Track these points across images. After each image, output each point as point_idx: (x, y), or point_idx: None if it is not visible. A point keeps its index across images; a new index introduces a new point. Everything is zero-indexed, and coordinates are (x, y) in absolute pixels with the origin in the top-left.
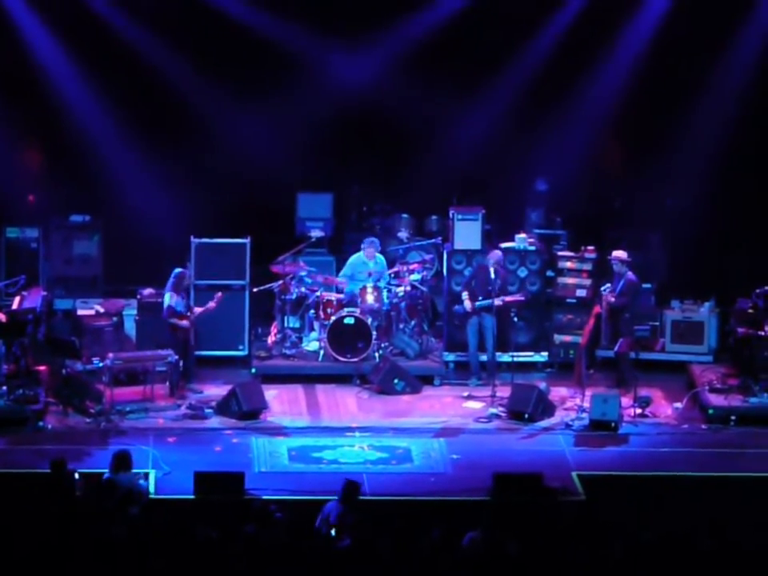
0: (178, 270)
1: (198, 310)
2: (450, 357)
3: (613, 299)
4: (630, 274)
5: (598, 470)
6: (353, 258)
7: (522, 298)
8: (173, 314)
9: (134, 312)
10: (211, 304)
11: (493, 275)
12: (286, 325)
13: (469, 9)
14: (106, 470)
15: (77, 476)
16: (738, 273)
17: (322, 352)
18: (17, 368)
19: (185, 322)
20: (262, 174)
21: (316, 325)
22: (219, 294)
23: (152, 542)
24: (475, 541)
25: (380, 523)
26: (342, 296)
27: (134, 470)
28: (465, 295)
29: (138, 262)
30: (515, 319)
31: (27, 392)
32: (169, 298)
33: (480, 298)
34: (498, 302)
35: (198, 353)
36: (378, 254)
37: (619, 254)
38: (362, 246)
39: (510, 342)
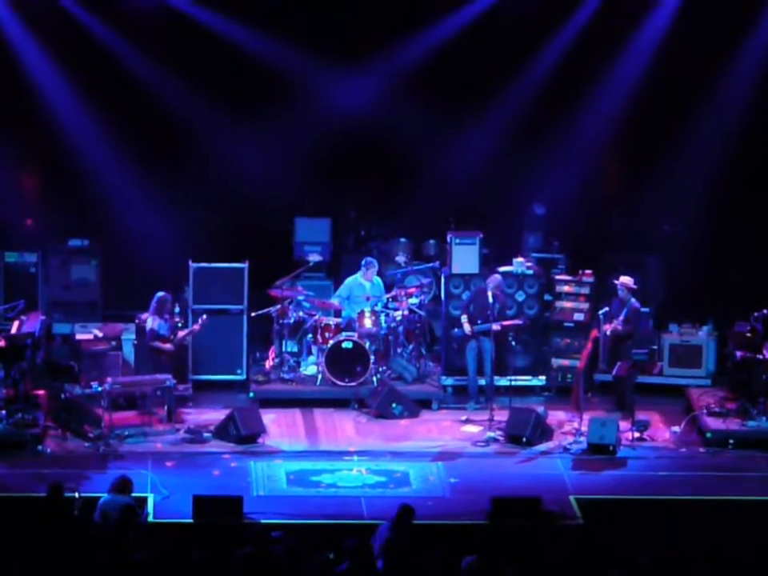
0: (159, 293)
1: (181, 333)
2: (448, 381)
3: (620, 327)
4: (634, 301)
5: (596, 494)
6: (350, 280)
7: (521, 323)
8: (155, 337)
9: (133, 336)
10: (195, 327)
11: (491, 299)
12: (284, 349)
13: (464, 33)
14: (105, 494)
15: (77, 495)
16: (736, 296)
17: (320, 376)
18: (16, 392)
19: (168, 346)
20: (260, 199)
21: (314, 349)
22: (204, 316)
23: (150, 565)
24: (473, 565)
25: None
26: (339, 320)
27: (134, 495)
28: (464, 318)
29: (136, 287)
30: (513, 343)
31: (26, 416)
32: (151, 322)
33: (479, 322)
34: (496, 326)
35: (195, 377)
36: (375, 277)
37: (626, 280)
38: (362, 266)
39: (508, 366)
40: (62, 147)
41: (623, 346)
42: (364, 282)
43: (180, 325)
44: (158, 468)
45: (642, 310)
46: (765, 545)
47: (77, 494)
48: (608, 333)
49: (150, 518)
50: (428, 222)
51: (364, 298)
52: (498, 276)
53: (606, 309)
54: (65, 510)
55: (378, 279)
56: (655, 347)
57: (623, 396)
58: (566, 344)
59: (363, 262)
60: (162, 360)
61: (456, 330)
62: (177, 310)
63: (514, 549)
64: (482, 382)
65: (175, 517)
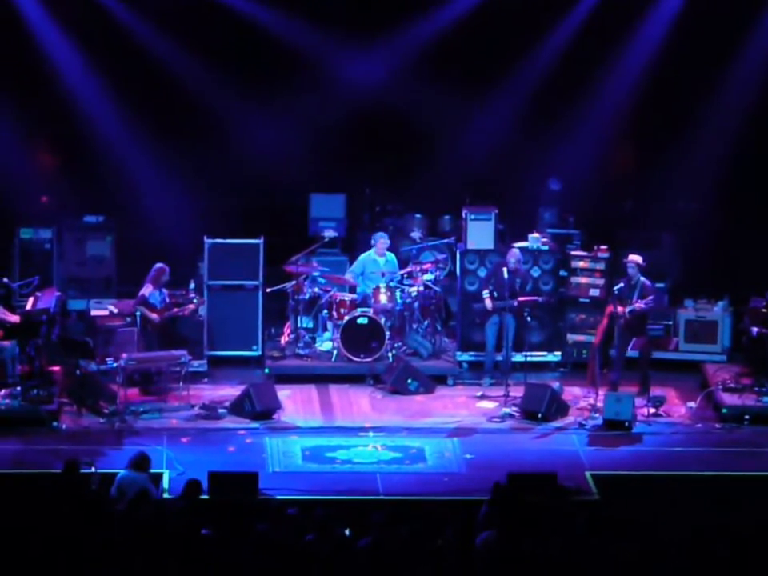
0: (158, 264)
1: (175, 310)
2: (464, 357)
3: (644, 305)
4: (644, 280)
5: (611, 470)
6: (363, 256)
7: (539, 299)
8: (143, 302)
9: None
10: (190, 306)
11: (510, 274)
12: (299, 325)
13: (480, 8)
14: (122, 470)
15: (93, 469)
16: (751, 272)
17: (335, 352)
18: (31, 369)
19: (154, 316)
20: (275, 175)
21: (329, 325)
22: (203, 299)
23: (163, 542)
24: (489, 540)
25: (394, 523)
26: (355, 296)
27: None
28: (485, 293)
29: (151, 263)
30: (528, 319)
31: (41, 392)
32: (144, 288)
33: (498, 297)
34: (515, 302)
35: (210, 353)
36: (388, 252)
37: (636, 258)
38: (372, 241)
39: (523, 342)
40: (77, 124)
41: (640, 325)
42: (377, 258)
43: (184, 301)
44: (173, 444)
45: (658, 285)
46: None
47: (93, 468)
48: (627, 313)
49: (166, 495)
50: (443, 198)
51: (379, 273)
52: (517, 251)
53: (621, 284)
54: (81, 485)
55: (392, 255)
56: (671, 323)
57: (645, 371)
58: (581, 320)
59: (373, 237)
60: (148, 330)
61: (476, 304)
62: (192, 285)
63: (530, 524)
64: (499, 357)
65: None
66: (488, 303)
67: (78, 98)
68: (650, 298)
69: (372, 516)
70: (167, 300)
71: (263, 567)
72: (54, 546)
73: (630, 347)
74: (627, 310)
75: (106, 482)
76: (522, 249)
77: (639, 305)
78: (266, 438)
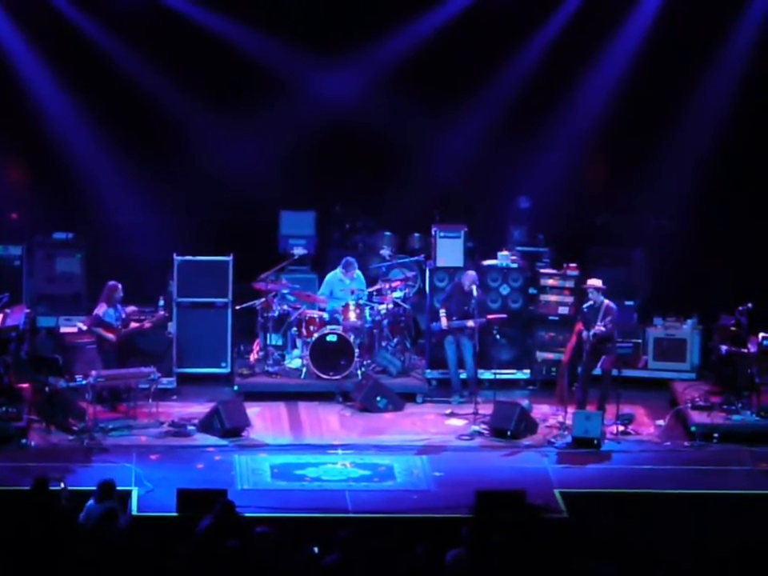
0: (110, 282)
1: (134, 325)
2: (433, 374)
3: (604, 329)
4: (607, 302)
5: (580, 488)
6: (329, 277)
7: (505, 316)
8: (98, 323)
9: None
10: (146, 323)
11: (475, 293)
12: (268, 342)
13: (451, 26)
14: (90, 488)
15: (62, 485)
16: (720, 290)
17: (304, 369)
18: (0, 385)
19: (110, 335)
20: (245, 192)
21: (299, 342)
22: (161, 313)
23: (135, 559)
24: (458, 558)
25: (363, 540)
26: (324, 313)
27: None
28: (442, 312)
29: (120, 280)
30: (497, 336)
31: (10, 409)
32: (98, 308)
33: (454, 318)
34: (471, 323)
35: (180, 370)
36: (357, 271)
37: (595, 282)
38: (341, 266)
39: (492, 360)
40: (47, 140)
41: (603, 348)
42: (344, 278)
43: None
44: (142, 461)
45: (627, 303)
46: (749, 539)
47: (62, 484)
48: (590, 336)
49: (134, 512)
50: (413, 216)
51: (347, 291)
52: (472, 272)
53: (591, 303)
54: (51, 502)
55: (360, 273)
56: (640, 341)
57: (605, 390)
58: (550, 337)
59: (342, 263)
60: (105, 349)
61: (434, 323)
62: (161, 302)
63: (499, 542)
64: (464, 375)
65: (159, 510)
66: (443, 322)
67: (47, 115)
68: (608, 319)
69: (338, 533)
70: (123, 316)
71: None
72: (23, 564)
73: (600, 365)
74: (590, 333)
75: (76, 498)
76: (491, 267)
77: (599, 328)
78: (234, 456)
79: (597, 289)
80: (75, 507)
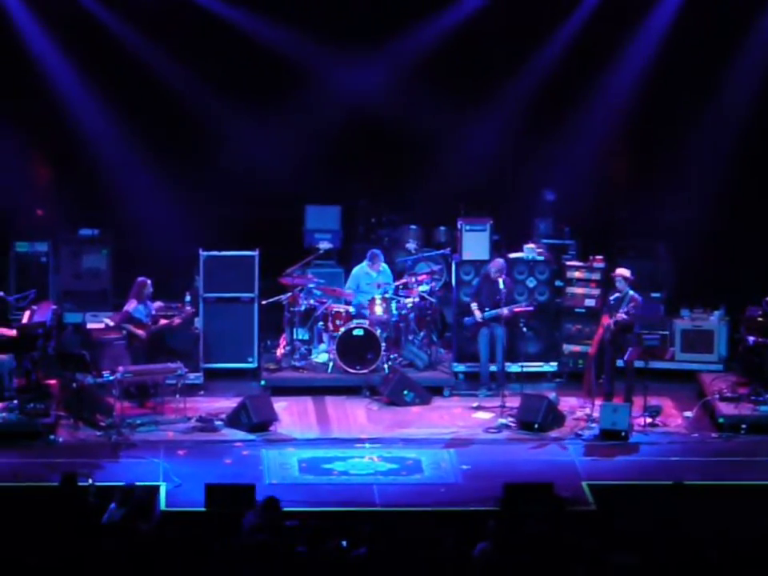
0: (140, 278)
1: (163, 322)
2: (460, 368)
3: (625, 316)
4: (632, 293)
5: (608, 480)
6: (356, 270)
7: (531, 308)
8: (128, 319)
9: None
10: (176, 319)
11: (502, 285)
12: (294, 337)
13: (475, 18)
14: (118, 484)
15: (90, 482)
16: (747, 281)
17: (331, 364)
18: (27, 382)
19: (140, 332)
20: (271, 187)
21: (325, 337)
22: (189, 309)
23: (164, 554)
24: (486, 551)
25: (391, 534)
26: (350, 308)
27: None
28: (474, 306)
29: (147, 276)
30: (524, 329)
31: (38, 406)
32: (128, 304)
33: (486, 309)
34: (505, 311)
35: (206, 365)
36: (383, 264)
37: (623, 271)
38: (367, 258)
39: (519, 353)
40: (73, 137)
41: (624, 338)
42: (370, 271)
43: (179, 313)
44: (169, 457)
45: (653, 295)
46: None
47: (90, 481)
48: (611, 324)
49: (162, 507)
50: (438, 209)
51: (374, 285)
52: (499, 260)
53: (617, 294)
54: (79, 498)
55: (386, 266)
56: (667, 333)
57: (630, 382)
58: (577, 330)
59: (368, 255)
60: (135, 345)
61: (466, 318)
62: (188, 298)
63: (527, 535)
64: (494, 368)
65: (187, 505)
66: (477, 314)
67: (73, 112)
68: (631, 305)
69: (364, 527)
70: (153, 312)
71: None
72: (52, 560)
73: (626, 357)
74: (612, 321)
75: (103, 495)
76: (517, 259)
77: (621, 315)
78: (262, 450)
79: (625, 278)
80: (103, 503)
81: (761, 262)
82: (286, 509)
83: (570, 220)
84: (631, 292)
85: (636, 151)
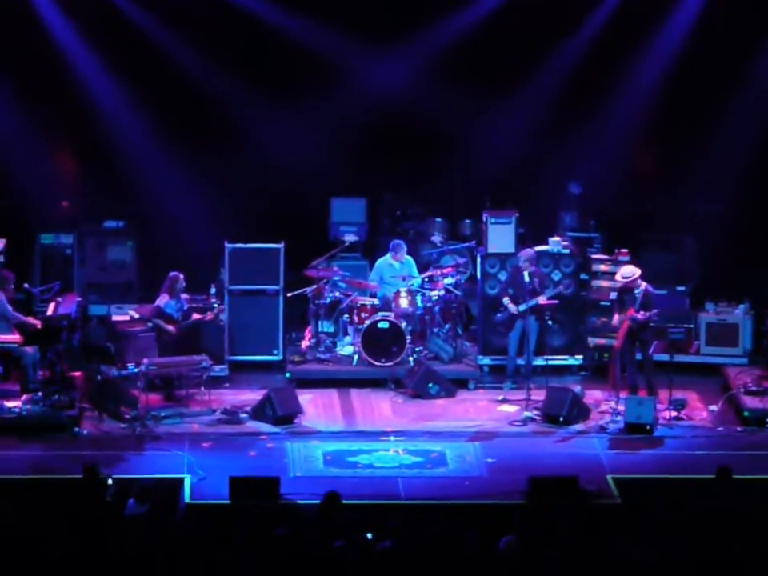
0: (172, 273)
1: (196, 316)
2: (485, 360)
3: (641, 317)
4: (644, 286)
5: (633, 473)
6: (379, 262)
7: (557, 302)
8: (159, 314)
9: None
10: (208, 315)
11: (527, 278)
12: (320, 329)
13: (500, 12)
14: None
15: (110, 481)
16: None
17: (356, 356)
18: (52, 374)
19: (170, 327)
20: (296, 179)
21: (350, 329)
22: (222, 306)
23: (188, 547)
24: (511, 544)
25: (416, 527)
26: (375, 300)
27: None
28: (506, 300)
29: (171, 268)
30: (549, 322)
31: (62, 398)
32: (160, 299)
33: (519, 301)
34: (541, 300)
35: (231, 357)
36: (406, 256)
37: (633, 270)
38: (390, 249)
39: (544, 346)
40: (98, 129)
41: (644, 334)
42: (393, 262)
43: (205, 306)
44: (194, 449)
45: (678, 288)
46: None
47: (109, 480)
48: (629, 319)
49: (187, 500)
50: (464, 202)
51: (399, 278)
52: (529, 250)
53: (640, 289)
54: (99, 491)
55: (409, 257)
56: (692, 326)
57: (650, 376)
58: (602, 323)
59: (391, 246)
60: (164, 340)
61: (498, 314)
62: (213, 290)
63: (552, 528)
64: (520, 361)
65: (212, 498)
66: (512, 308)
67: (99, 104)
68: (654, 312)
69: (389, 520)
70: (185, 307)
71: (286, 572)
72: (73, 552)
73: (651, 350)
74: (629, 317)
75: (123, 490)
76: (542, 252)
77: (641, 316)
78: (287, 443)
79: (630, 277)
80: (121, 500)
81: None
82: (310, 501)
83: (595, 213)
84: (643, 285)
85: (661, 144)
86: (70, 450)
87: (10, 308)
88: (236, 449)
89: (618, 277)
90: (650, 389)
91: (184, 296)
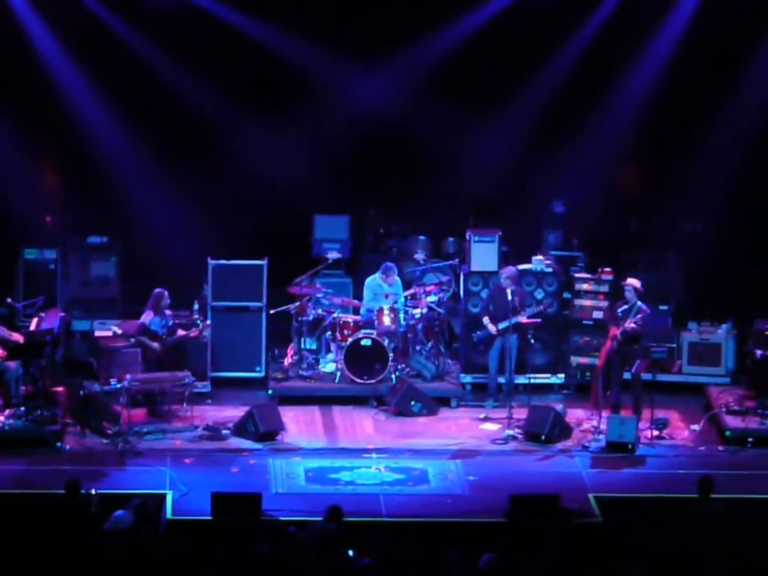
0: (156, 289)
1: (181, 333)
2: (467, 378)
3: (634, 326)
4: (641, 304)
5: (614, 492)
6: (369, 281)
7: (539, 321)
8: (144, 331)
9: None
10: (192, 332)
11: (510, 296)
12: (302, 346)
13: (486, 30)
14: (125, 492)
15: (93, 492)
16: (755, 294)
17: (338, 374)
18: (35, 389)
19: (155, 344)
20: (279, 196)
21: (333, 346)
22: (207, 322)
23: (169, 563)
24: (492, 562)
25: (397, 544)
26: (358, 317)
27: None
28: (486, 320)
29: (155, 284)
30: (532, 341)
31: (45, 413)
32: (144, 316)
33: (500, 319)
34: (522, 318)
35: (214, 374)
36: (396, 277)
37: (633, 282)
38: (381, 272)
39: (527, 364)
40: (82, 144)
41: (630, 349)
42: (383, 284)
43: (188, 322)
44: (176, 465)
45: (661, 307)
46: None
47: (93, 491)
48: (619, 335)
49: (169, 516)
50: (447, 220)
51: (383, 295)
52: (511, 268)
53: (625, 306)
54: (82, 506)
55: (398, 280)
56: (674, 345)
57: (637, 394)
58: (585, 342)
59: (382, 268)
60: (148, 357)
61: (477, 333)
62: (196, 306)
63: (532, 547)
64: (502, 379)
65: (194, 514)
66: (491, 328)
67: (82, 119)
68: (639, 316)
69: (370, 537)
70: (170, 323)
71: None
72: (55, 567)
73: (634, 369)
74: (619, 332)
75: (107, 504)
76: (525, 271)
77: (629, 325)
78: (269, 459)
79: (635, 289)
80: (105, 513)
81: None
82: (291, 518)
83: (578, 232)
84: (639, 303)
85: (645, 163)
86: (52, 465)
87: None
88: (218, 465)
89: (636, 284)
90: (636, 407)
91: (167, 312)
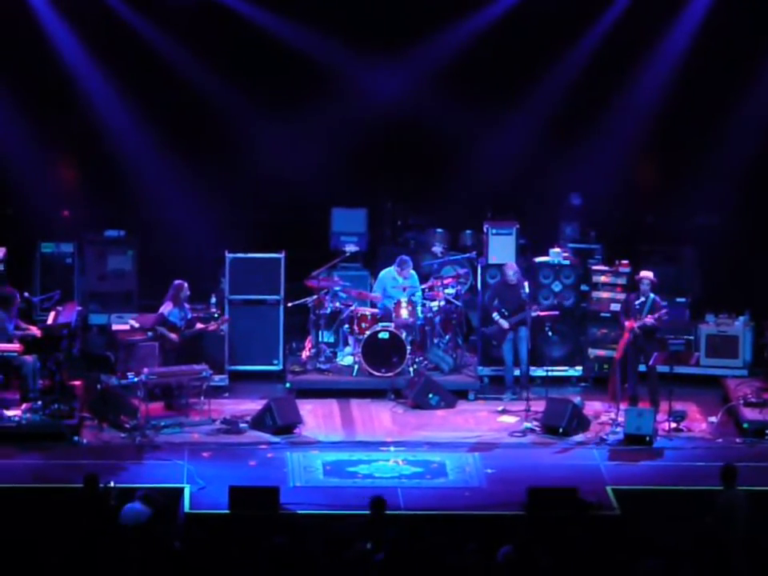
0: (176, 281)
1: (199, 326)
2: (485, 371)
3: (652, 320)
4: (654, 297)
5: (632, 485)
6: (382, 274)
7: (557, 313)
8: (162, 322)
9: None
10: (211, 325)
11: (527, 289)
12: (320, 339)
13: (501, 23)
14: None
15: (112, 484)
16: None
17: (356, 367)
18: (52, 383)
19: (173, 336)
20: (297, 189)
21: (350, 339)
22: (226, 316)
23: (187, 556)
24: (510, 555)
25: (415, 537)
26: (376, 310)
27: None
28: (496, 315)
29: (172, 277)
30: (549, 333)
31: (62, 407)
32: (164, 307)
33: (506, 314)
34: (532, 313)
35: (232, 367)
36: (411, 270)
37: (648, 274)
38: (396, 264)
39: (544, 357)
40: (99, 138)
41: (648, 341)
42: (398, 277)
43: (205, 315)
44: (194, 459)
45: (678, 300)
46: None
47: (112, 484)
48: (637, 328)
49: (186, 509)
50: (464, 213)
51: (400, 288)
52: (511, 263)
53: (642, 299)
54: (100, 500)
55: (414, 273)
56: (692, 338)
57: (654, 387)
58: (602, 334)
59: (397, 261)
60: (166, 348)
61: (486, 328)
62: (213, 300)
63: (551, 539)
64: (518, 372)
65: (211, 508)
66: (503, 323)
67: (100, 113)
68: (663, 311)
69: (387, 531)
70: (189, 316)
71: None
72: (72, 561)
73: (651, 362)
74: (637, 324)
75: (125, 498)
76: (543, 263)
77: (650, 320)
78: (287, 453)
79: (651, 281)
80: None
81: None
82: (309, 511)
83: (596, 224)
84: (653, 296)
85: (662, 156)
86: (69, 460)
87: (11, 327)
88: (236, 458)
89: (650, 276)
90: (653, 400)
91: (186, 305)
